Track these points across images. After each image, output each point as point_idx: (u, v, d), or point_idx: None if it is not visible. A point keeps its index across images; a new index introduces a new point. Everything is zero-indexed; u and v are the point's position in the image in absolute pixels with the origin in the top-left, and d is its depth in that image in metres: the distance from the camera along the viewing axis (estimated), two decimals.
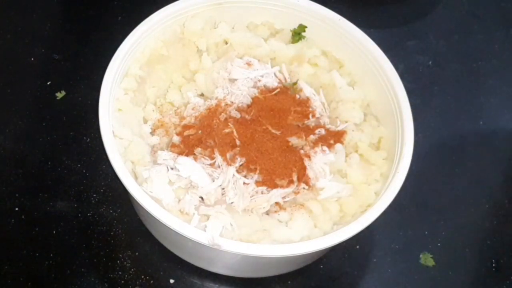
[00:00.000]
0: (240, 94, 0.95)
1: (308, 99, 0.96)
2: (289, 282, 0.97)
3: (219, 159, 0.87)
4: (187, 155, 0.88)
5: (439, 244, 1.02)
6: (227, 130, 0.90)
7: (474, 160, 1.12)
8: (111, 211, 1.01)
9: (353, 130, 0.93)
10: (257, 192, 0.86)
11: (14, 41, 1.19)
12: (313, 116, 0.94)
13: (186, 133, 0.91)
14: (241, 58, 0.99)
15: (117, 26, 1.21)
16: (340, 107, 0.96)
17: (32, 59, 1.17)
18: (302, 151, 0.90)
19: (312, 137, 0.92)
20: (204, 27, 0.99)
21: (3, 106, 1.11)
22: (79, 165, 1.05)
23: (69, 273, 0.95)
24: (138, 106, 0.93)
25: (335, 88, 0.97)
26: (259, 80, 0.97)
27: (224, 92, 0.95)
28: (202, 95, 0.97)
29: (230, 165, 0.87)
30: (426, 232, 1.03)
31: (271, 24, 1.02)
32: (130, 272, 0.96)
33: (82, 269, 0.95)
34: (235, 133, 0.90)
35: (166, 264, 0.97)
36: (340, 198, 0.88)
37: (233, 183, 0.86)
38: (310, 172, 0.88)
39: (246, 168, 0.87)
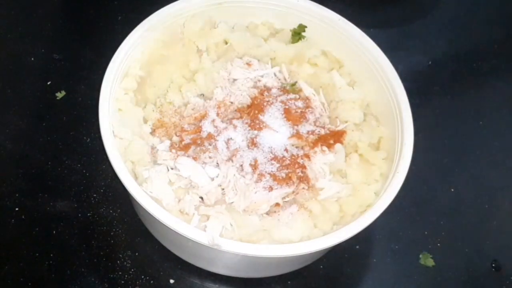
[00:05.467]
0: (240, 95, 0.95)
1: (308, 99, 0.96)
2: (289, 282, 0.97)
3: (219, 158, 0.88)
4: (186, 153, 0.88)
5: (439, 244, 1.02)
6: (227, 131, 0.90)
7: (474, 160, 1.12)
8: (111, 211, 1.01)
9: (353, 130, 0.93)
10: (257, 193, 0.86)
11: (14, 41, 1.19)
12: (313, 116, 0.94)
13: (185, 133, 0.91)
14: (241, 58, 0.99)
15: (117, 26, 1.21)
16: (340, 107, 0.96)
17: (32, 59, 1.17)
18: (302, 151, 0.90)
19: (312, 137, 0.92)
20: (204, 27, 0.99)
21: (3, 106, 1.11)
22: (79, 165, 1.05)
23: (69, 273, 0.95)
24: (138, 106, 0.93)
25: (335, 88, 0.97)
26: (259, 80, 0.97)
27: (224, 92, 0.95)
28: (202, 95, 0.97)
29: (228, 163, 0.87)
30: (426, 232, 1.03)
31: (271, 24, 1.02)
32: (130, 272, 0.96)
33: (82, 269, 0.95)
34: (235, 133, 0.90)
35: (166, 264, 0.97)
36: (340, 198, 0.88)
37: (234, 183, 0.86)
38: (310, 172, 0.89)
39: (246, 168, 0.87)
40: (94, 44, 1.19)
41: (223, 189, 0.86)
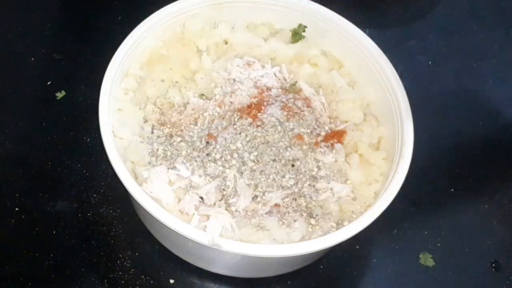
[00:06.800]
0: (240, 95, 0.95)
1: (308, 99, 0.96)
2: (289, 282, 0.97)
3: (218, 158, 0.88)
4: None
5: (439, 244, 1.02)
6: (227, 131, 0.90)
7: (474, 160, 1.12)
8: (111, 211, 1.01)
9: (353, 130, 0.93)
10: (257, 194, 0.86)
11: (14, 41, 1.19)
12: (313, 116, 0.95)
13: (185, 132, 0.91)
14: (241, 58, 0.99)
15: (117, 26, 1.21)
16: (340, 107, 0.96)
17: (32, 59, 1.17)
18: (301, 151, 0.90)
19: (312, 137, 0.92)
20: (204, 27, 0.99)
21: (3, 106, 1.11)
22: (79, 165, 1.05)
23: (69, 273, 0.95)
24: (138, 106, 0.93)
25: (335, 88, 0.97)
26: (259, 80, 0.97)
27: (224, 92, 0.95)
28: (202, 95, 0.97)
29: (228, 163, 0.87)
30: (426, 232, 1.03)
31: (271, 24, 1.02)
32: (130, 272, 0.96)
33: (82, 269, 0.95)
34: (235, 133, 0.90)
35: (166, 264, 0.97)
36: (340, 198, 0.88)
37: (234, 183, 0.86)
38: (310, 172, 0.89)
39: (246, 168, 0.87)
40: (94, 44, 1.19)
41: (223, 189, 0.86)
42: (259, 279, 0.97)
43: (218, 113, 0.93)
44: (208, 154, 0.88)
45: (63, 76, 1.15)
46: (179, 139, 0.91)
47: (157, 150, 0.90)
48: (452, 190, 1.08)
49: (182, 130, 0.92)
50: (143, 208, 0.79)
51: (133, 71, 0.93)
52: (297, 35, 1.01)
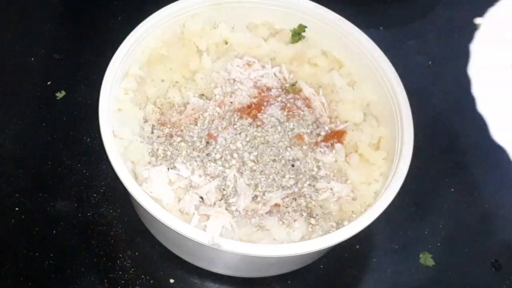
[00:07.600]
0: (240, 95, 0.95)
1: (308, 99, 0.96)
2: (289, 282, 0.97)
3: (218, 158, 0.88)
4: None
5: (439, 244, 1.02)
6: (227, 131, 0.90)
7: (474, 160, 1.12)
8: (111, 211, 1.01)
9: (353, 130, 0.94)
10: (257, 194, 0.86)
11: (14, 41, 1.19)
12: (313, 116, 0.95)
13: (185, 132, 0.91)
14: (241, 58, 0.99)
15: (117, 26, 1.21)
16: (340, 107, 0.96)
17: (32, 59, 1.17)
18: (301, 151, 0.90)
19: (312, 137, 0.92)
20: (204, 27, 0.99)
21: (3, 106, 1.11)
22: (79, 165, 1.05)
23: (69, 273, 0.95)
24: (138, 106, 0.93)
25: (335, 88, 0.97)
26: (259, 80, 0.97)
27: (224, 92, 0.96)
28: (202, 95, 0.97)
29: (228, 163, 0.87)
30: (426, 232, 1.03)
31: (271, 24, 1.02)
32: (130, 272, 0.96)
33: (82, 269, 0.95)
34: (235, 133, 0.90)
35: (166, 264, 0.97)
36: (340, 198, 0.88)
37: (234, 183, 0.86)
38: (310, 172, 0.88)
39: (246, 168, 0.87)
40: (94, 44, 1.19)
41: (223, 189, 0.86)
42: (259, 279, 0.97)
43: (218, 113, 0.93)
44: (208, 154, 0.88)
45: (63, 76, 1.15)
46: (179, 139, 0.91)
47: (157, 150, 0.90)
48: (452, 190, 1.08)
49: (182, 130, 0.92)
50: (143, 208, 0.79)
51: (133, 71, 0.93)
52: (297, 35, 1.01)
